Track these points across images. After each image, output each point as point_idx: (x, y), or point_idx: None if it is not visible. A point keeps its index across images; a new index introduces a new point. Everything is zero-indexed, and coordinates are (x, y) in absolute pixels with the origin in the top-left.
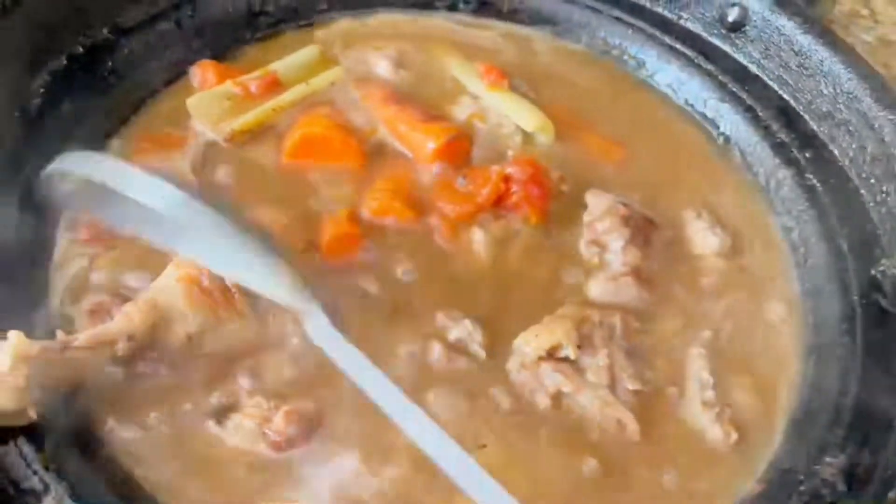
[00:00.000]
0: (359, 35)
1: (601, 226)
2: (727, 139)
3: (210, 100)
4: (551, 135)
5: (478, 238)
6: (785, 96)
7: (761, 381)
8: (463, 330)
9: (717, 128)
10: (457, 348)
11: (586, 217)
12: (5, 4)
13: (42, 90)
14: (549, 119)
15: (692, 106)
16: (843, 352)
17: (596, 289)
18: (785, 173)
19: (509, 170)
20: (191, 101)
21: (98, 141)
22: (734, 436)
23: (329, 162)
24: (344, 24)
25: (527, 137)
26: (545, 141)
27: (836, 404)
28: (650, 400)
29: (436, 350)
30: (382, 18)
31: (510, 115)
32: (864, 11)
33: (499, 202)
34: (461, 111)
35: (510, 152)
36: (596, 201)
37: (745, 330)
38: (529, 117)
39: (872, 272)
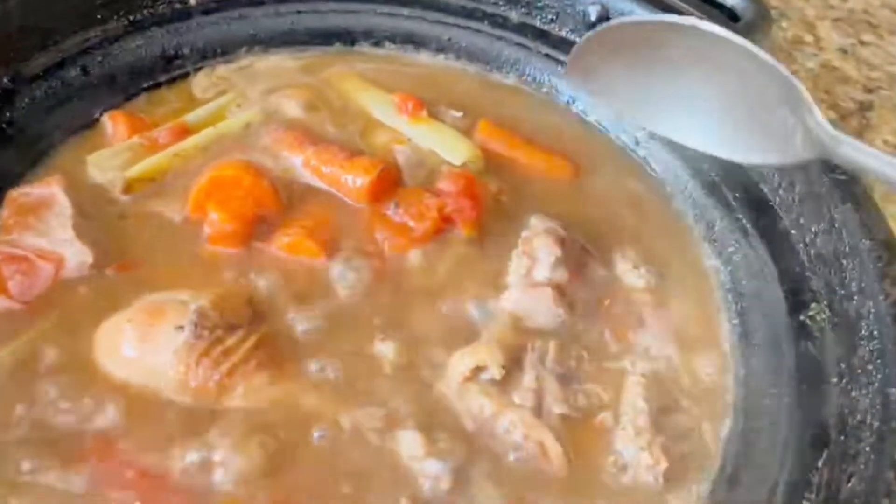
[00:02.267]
0: (272, 78)
1: (537, 241)
2: (659, 177)
3: (110, 154)
4: (480, 162)
5: (412, 256)
6: None
7: (692, 424)
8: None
9: (650, 165)
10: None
11: (524, 233)
12: None
13: None
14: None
15: (626, 144)
16: (771, 404)
17: (511, 297)
18: (715, 214)
19: (441, 185)
20: (91, 157)
21: None
22: (663, 464)
23: (244, 208)
24: (259, 66)
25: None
26: (474, 168)
27: (765, 463)
28: (580, 426)
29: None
30: (296, 61)
31: (436, 150)
32: (808, 38)
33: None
34: (377, 139)
35: (444, 168)
36: (538, 222)
37: (674, 371)
38: (456, 147)
39: (802, 318)
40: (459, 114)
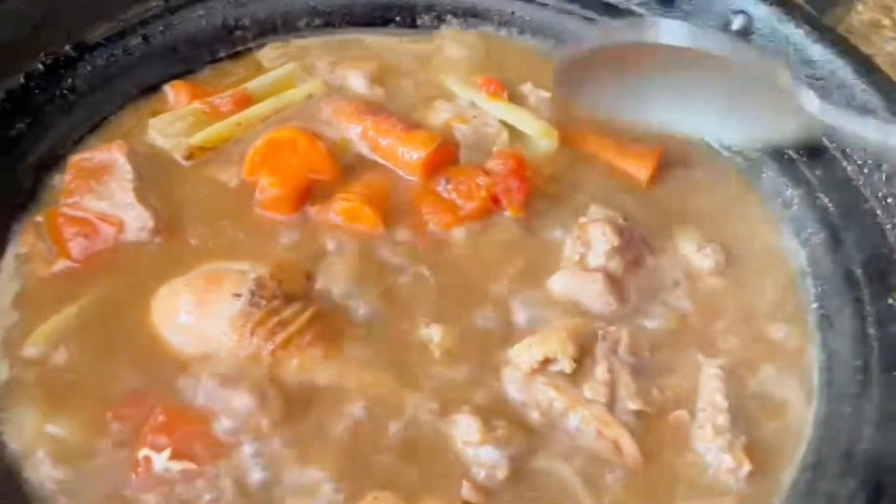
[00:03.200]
0: (335, 52)
1: (593, 229)
2: (731, 154)
3: (172, 119)
4: (554, 140)
5: (456, 234)
6: None
7: (773, 417)
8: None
9: (721, 143)
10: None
11: (581, 219)
12: None
13: None
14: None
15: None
16: (856, 391)
17: (560, 278)
18: (794, 192)
19: (490, 164)
20: (153, 121)
21: (42, 170)
22: (746, 467)
23: (297, 173)
24: (321, 41)
25: (516, 136)
26: (546, 146)
27: (847, 451)
28: (655, 423)
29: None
30: (360, 34)
31: (516, 124)
32: (886, 21)
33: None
34: (438, 116)
35: (495, 149)
36: (597, 210)
37: (752, 361)
38: (532, 123)
39: (890, 301)
40: (547, 94)
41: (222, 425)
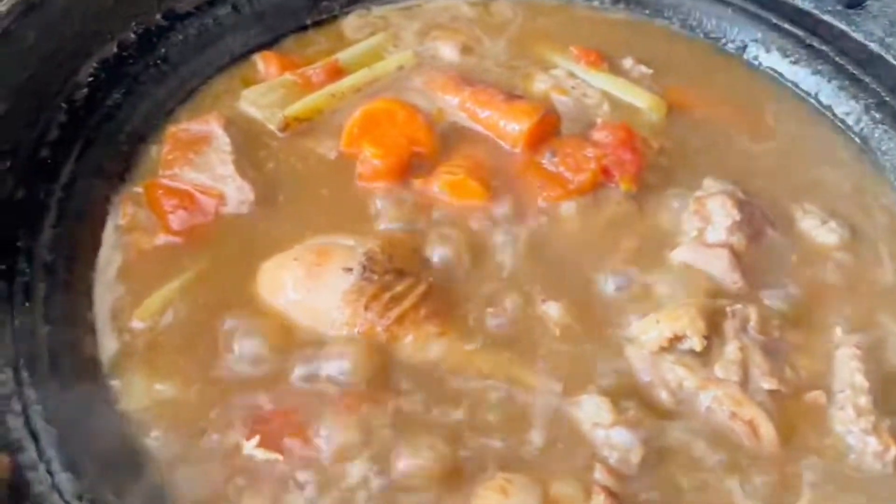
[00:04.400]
0: (420, 21)
1: (712, 203)
2: (847, 127)
3: (265, 90)
4: (662, 112)
5: (565, 208)
6: None
7: None
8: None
9: (835, 115)
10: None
11: (698, 193)
12: None
13: (90, 79)
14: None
15: (806, 92)
16: None
17: (682, 253)
18: None
19: (597, 135)
20: (246, 92)
21: (137, 142)
22: (894, 451)
23: (398, 144)
24: (405, 10)
25: (618, 108)
26: (655, 118)
27: None
28: (790, 404)
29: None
30: (445, 3)
31: (623, 96)
32: None
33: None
34: (535, 87)
35: (599, 121)
36: (713, 182)
37: (891, 339)
38: (640, 94)
39: None
40: (649, 71)
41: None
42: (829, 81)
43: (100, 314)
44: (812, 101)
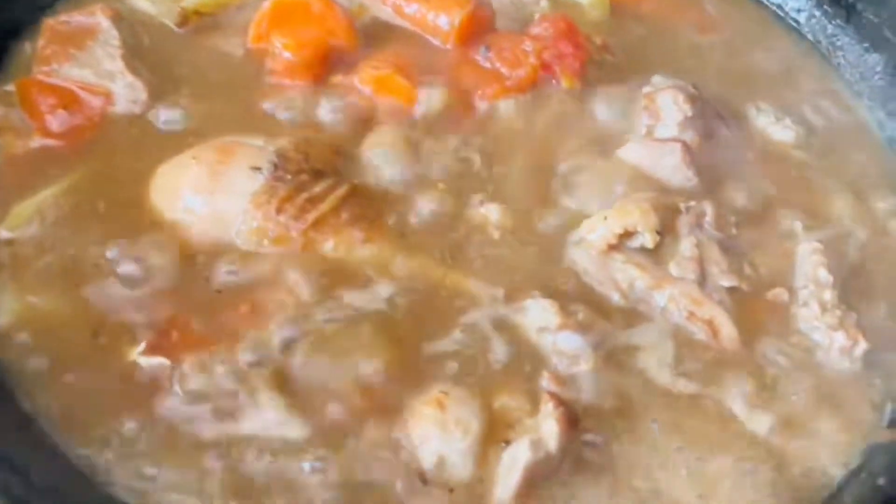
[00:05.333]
0: None
1: (662, 98)
2: (798, 24)
3: None
4: (605, 9)
5: (503, 107)
6: None
7: (885, 289)
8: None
9: (786, 13)
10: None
11: (646, 88)
12: None
13: None
14: None
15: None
16: None
17: (631, 150)
18: (875, 58)
19: (535, 29)
20: None
21: (7, 37)
22: (862, 345)
23: (314, 37)
24: None
25: (556, 3)
26: (598, 15)
27: None
28: (750, 302)
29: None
30: None
31: None
32: None
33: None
34: None
35: (536, 16)
36: (662, 79)
37: (854, 231)
38: None
39: None
40: None
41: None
42: None
43: None
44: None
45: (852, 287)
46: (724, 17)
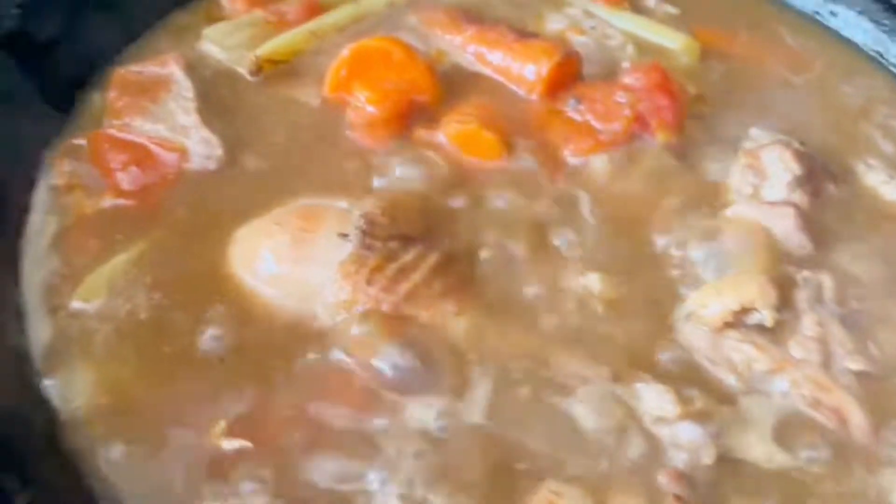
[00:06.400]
0: None
1: (767, 155)
2: None
3: (231, 28)
4: (696, 55)
5: (597, 163)
6: None
7: None
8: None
9: (885, 59)
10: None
11: (747, 144)
12: None
13: (17, 10)
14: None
15: (851, 36)
16: None
17: (740, 213)
18: None
19: (626, 79)
20: (208, 31)
21: (82, 84)
22: None
23: (396, 89)
24: None
25: (644, 51)
26: (688, 61)
27: None
28: (877, 386)
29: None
30: None
31: (650, 37)
32: None
33: None
34: (550, 27)
35: (625, 64)
36: (761, 132)
37: None
38: (670, 35)
39: None
40: (675, 10)
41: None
42: (877, 23)
43: (29, 294)
44: (857, 42)
45: None
46: (823, 67)
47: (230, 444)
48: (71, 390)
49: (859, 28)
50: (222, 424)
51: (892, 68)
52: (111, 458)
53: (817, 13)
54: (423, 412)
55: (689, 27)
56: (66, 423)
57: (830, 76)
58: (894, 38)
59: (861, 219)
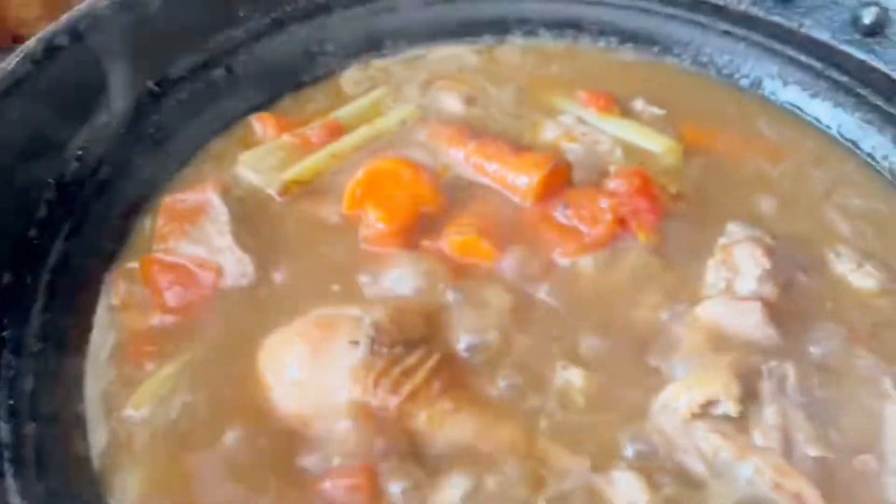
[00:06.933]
0: (424, 72)
1: (739, 251)
2: (874, 160)
3: (263, 153)
4: (679, 155)
5: (583, 264)
6: None
7: None
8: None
9: (860, 149)
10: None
11: (722, 240)
12: (36, 58)
13: (79, 153)
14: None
15: (827, 125)
16: None
17: (710, 309)
18: None
19: (611, 184)
20: (243, 157)
21: (131, 215)
22: None
23: (404, 205)
24: (407, 61)
25: (631, 153)
26: (672, 161)
27: None
28: (838, 470)
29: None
30: (449, 53)
31: (636, 141)
32: None
33: None
34: (543, 136)
35: (612, 168)
36: (738, 228)
37: None
38: (654, 138)
39: None
40: (662, 111)
41: None
42: (852, 114)
43: (90, 404)
44: (835, 135)
45: None
46: (802, 161)
47: None
48: (124, 489)
49: (834, 119)
50: None
51: (847, 143)
52: None
53: (790, 102)
54: None
55: (675, 126)
56: None
57: (805, 164)
58: (870, 129)
59: (830, 307)
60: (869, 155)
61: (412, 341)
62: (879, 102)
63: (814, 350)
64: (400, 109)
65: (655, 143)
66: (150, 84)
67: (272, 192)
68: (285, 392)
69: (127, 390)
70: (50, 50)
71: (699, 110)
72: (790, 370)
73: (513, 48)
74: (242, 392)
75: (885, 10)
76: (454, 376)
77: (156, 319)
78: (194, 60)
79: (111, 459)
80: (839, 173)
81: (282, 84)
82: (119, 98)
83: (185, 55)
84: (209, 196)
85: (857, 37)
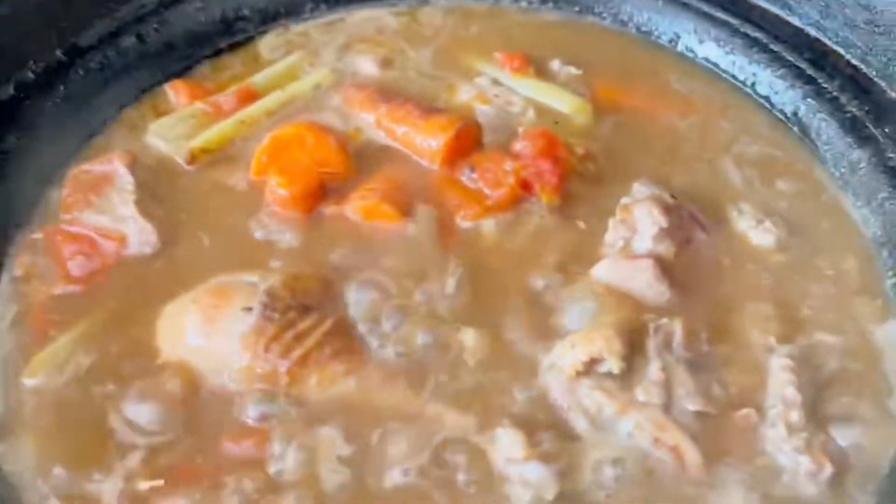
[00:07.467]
0: (342, 36)
1: (638, 210)
2: (785, 117)
3: (173, 121)
4: (588, 115)
5: (486, 227)
6: (853, 61)
7: (853, 412)
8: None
9: (773, 105)
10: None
11: (624, 200)
12: None
13: None
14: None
15: (742, 82)
16: None
17: (603, 269)
18: (860, 154)
19: (517, 146)
20: (153, 126)
21: (37, 185)
22: (828, 470)
23: (307, 170)
24: (326, 25)
25: (544, 114)
26: (582, 121)
27: None
28: (719, 423)
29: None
30: (369, 15)
31: (546, 101)
32: None
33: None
34: (457, 97)
35: (520, 129)
36: (642, 187)
37: (827, 347)
38: (563, 98)
39: None
40: (579, 71)
41: None
42: (765, 69)
43: None
44: (749, 91)
45: (827, 400)
46: (715, 116)
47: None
48: (17, 455)
49: (750, 75)
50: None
51: (760, 100)
52: None
53: (706, 59)
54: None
55: (590, 86)
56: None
57: (712, 114)
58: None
59: (727, 264)
60: (780, 111)
61: (307, 307)
62: (792, 58)
63: (706, 307)
64: (314, 74)
65: (564, 104)
66: (59, 54)
67: (180, 160)
68: (185, 357)
69: (26, 360)
70: None
71: (616, 69)
72: (678, 326)
73: (435, 9)
74: (137, 359)
75: None
76: (348, 341)
77: (59, 289)
78: (104, 29)
79: (3, 427)
80: (745, 125)
81: (199, 51)
82: (26, 69)
83: (95, 24)
84: (115, 166)
85: None
